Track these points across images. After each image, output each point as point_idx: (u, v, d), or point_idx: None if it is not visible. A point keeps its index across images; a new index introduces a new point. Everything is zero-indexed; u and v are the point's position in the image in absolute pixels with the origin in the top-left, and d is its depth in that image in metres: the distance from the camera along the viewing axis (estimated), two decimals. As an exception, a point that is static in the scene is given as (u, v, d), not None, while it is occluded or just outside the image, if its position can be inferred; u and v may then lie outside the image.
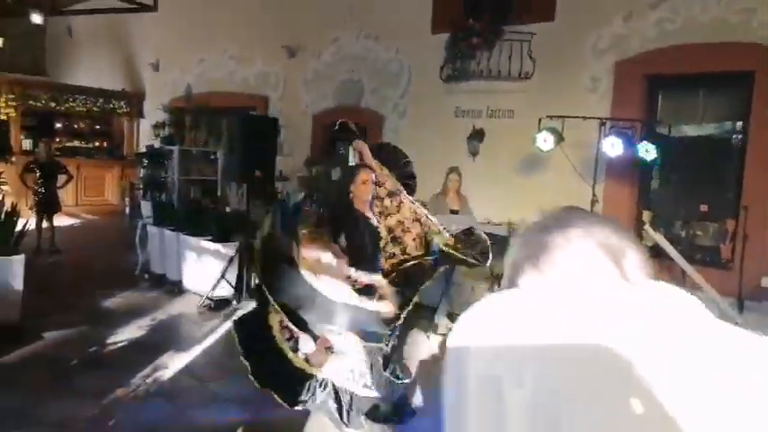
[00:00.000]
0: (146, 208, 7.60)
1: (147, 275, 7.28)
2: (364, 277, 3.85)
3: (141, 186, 11.50)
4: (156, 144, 9.26)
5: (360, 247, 3.90)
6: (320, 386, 3.68)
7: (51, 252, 8.39)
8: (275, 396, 3.45)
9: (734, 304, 5.02)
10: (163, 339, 5.18)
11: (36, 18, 10.69)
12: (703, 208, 4.95)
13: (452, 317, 5.84)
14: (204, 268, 6.54)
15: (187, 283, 6.79)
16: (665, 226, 5.93)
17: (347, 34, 9.08)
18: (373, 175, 3.81)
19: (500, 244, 5.84)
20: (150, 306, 6.11)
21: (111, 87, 13.73)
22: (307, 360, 3.61)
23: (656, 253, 5.75)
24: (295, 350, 3.58)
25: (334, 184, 3.85)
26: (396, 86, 8.47)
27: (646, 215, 5.82)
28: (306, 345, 3.56)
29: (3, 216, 5.32)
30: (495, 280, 5.84)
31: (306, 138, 9.79)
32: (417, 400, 3.85)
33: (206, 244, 6.55)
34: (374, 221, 3.95)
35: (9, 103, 11.95)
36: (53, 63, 16.67)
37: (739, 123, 5.59)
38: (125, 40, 14.16)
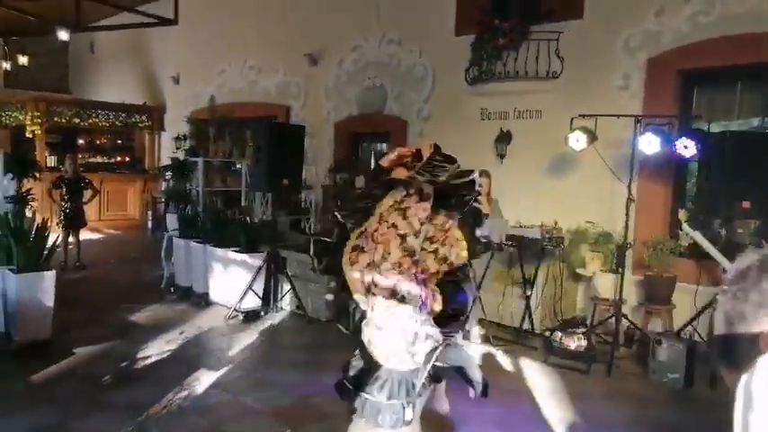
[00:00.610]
0: (171, 220, 7.58)
1: (173, 288, 7.24)
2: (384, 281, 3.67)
3: (163, 200, 11.55)
4: (180, 156, 9.24)
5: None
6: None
7: (77, 267, 8.41)
8: None
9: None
10: (192, 353, 5.12)
11: (62, 35, 10.81)
12: (745, 204, 4.74)
13: (483, 323, 5.70)
14: (231, 280, 6.48)
15: (214, 295, 6.73)
16: (702, 224, 5.73)
17: (369, 40, 9.01)
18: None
19: (534, 246, 5.74)
20: (178, 319, 6.06)
21: (132, 101, 13.86)
22: None
23: (694, 252, 5.61)
24: None
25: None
26: (420, 91, 8.37)
27: (682, 214, 5.63)
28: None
29: (34, 233, 5.31)
30: (526, 284, 5.70)
31: (329, 146, 9.73)
32: None
33: (233, 255, 6.49)
34: None
35: (35, 120, 12.08)
36: (76, 80, 16.91)
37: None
38: (146, 54, 14.30)
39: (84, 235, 9.20)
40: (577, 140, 5.44)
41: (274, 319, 6.25)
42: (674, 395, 4.55)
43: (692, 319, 5.12)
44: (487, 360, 5.09)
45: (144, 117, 13.83)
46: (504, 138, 7.22)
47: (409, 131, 8.50)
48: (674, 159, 5.82)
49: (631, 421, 4.06)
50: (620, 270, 5.16)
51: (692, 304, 5.28)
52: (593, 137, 5.39)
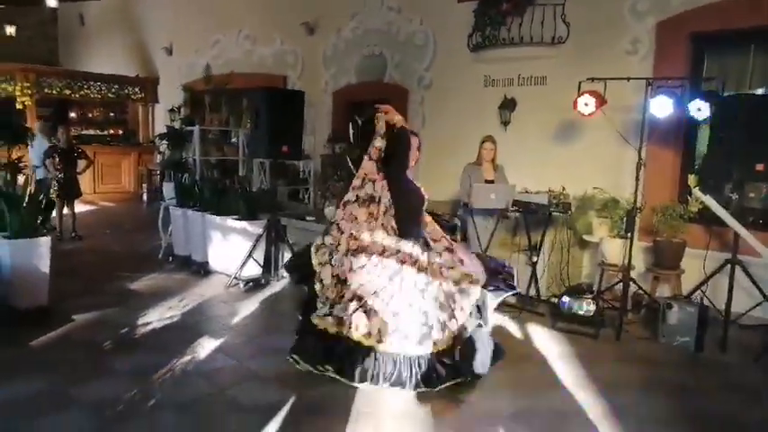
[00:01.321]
0: (168, 190, 7.42)
1: (171, 258, 7.12)
2: (408, 247, 3.71)
3: (159, 172, 11.38)
4: (177, 125, 9.06)
5: (407, 213, 3.76)
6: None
7: (73, 238, 8.27)
8: None
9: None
10: (194, 320, 5.01)
11: (51, 2, 10.49)
12: (759, 167, 4.65)
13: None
14: (231, 248, 6.35)
15: (213, 263, 6.61)
16: (713, 189, 5.64)
17: (368, 7, 8.79)
18: (418, 141, 4.16)
19: (541, 212, 5.64)
20: (178, 288, 5.95)
21: (124, 74, 13.57)
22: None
23: (704, 217, 5.53)
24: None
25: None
26: (421, 59, 8.18)
27: (692, 179, 5.52)
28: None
29: (27, 198, 5.16)
30: (532, 250, 5.62)
31: (327, 116, 9.55)
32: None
33: (232, 223, 6.36)
34: (421, 189, 4.03)
35: (25, 91, 11.83)
36: (66, 52, 16.56)
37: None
38: (137, 25, 13.98)
39: (79, 207, 9.04)
40: (586, 104, 5.30)
41: (276, 286, 6.15)
42: (685, 358, 4.50)
43: (701, 284, 5.05)
44: (496, 326, 5.02)
45: (137, 89, 13.58)
46: (509, 105, 7.09)
47: (410, 100, 8.34)
48: (685, 123, 5.72)
49: (644, 383, 4.00)
50: (629, 235, 5.07)
51: (700, 269, 5.22)
52: (602, 100, 5.25)
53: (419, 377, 3.58)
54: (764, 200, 5.66)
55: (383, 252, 3.78)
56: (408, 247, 3.79)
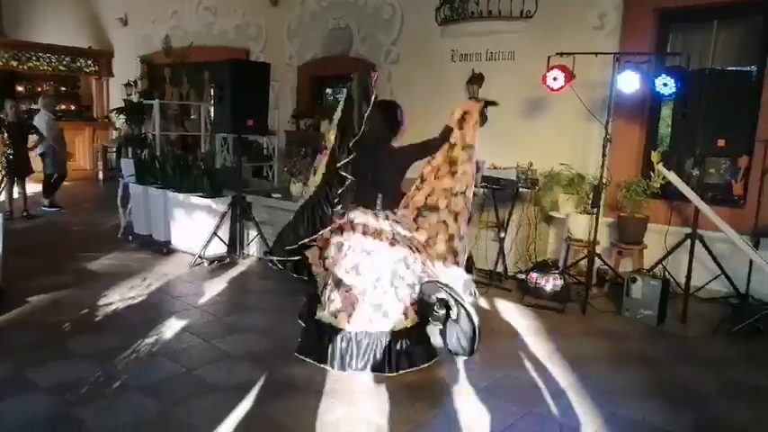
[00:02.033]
0: (126, 166, 7.15)
1: (131, 237, 6.91)
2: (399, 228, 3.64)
3: (116, 148, 10.99)
4: (135, 99, 8.71)
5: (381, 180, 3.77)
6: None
7: (24, 217, 7.92)
8: None
9: (749, 241, 4.91)
10: (157, 299, 4.87)
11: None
12: (721, 142, 4.75)
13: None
14: (194, 226, 6.19)
15: (176, 242, 6.44)
16: (676, 165, 5.75)
17: (333, -22, 8.58)
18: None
19: (509, 188, 5.66)
20: (139, 267, 5.77)
21: (76, 45, 12.95)
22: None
23: (666, 193, 5.64)
24: None
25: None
26: (388, 32, 8.05)
27: (655, 155, 5.61)
28: None
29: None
30: (499, 227, 5.64)
31: (291, 91, 9.34)
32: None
33: (196, 200, 6.18)
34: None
35: (-36, 62, 11.19)
36: (11, 21, 15.67)
37: (756, 54, 5.39)
38: (89, -7, 13.34)
39: (31, 186, 8.65)
40: (555, 79, 5.28)
41: (242, 265, 6.03)
42: (648, 331, 4.61)
43: (663, 258, 5.17)
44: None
45: (90, 62, 13.00)
46: (476, 80, 7.04)
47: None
48: (649, 100, 5.79)
49: (610, 355, 4.08)
50: (594, 211, 5.13)
51: (662, 244, 5.34)
52: (571, 75, 5.25)
53: (387, 356, 3.51)
54: (724, 175, 5.81)
55: (354, 228, 3.72)
56: (372, 219, 3.72)
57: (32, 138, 8.28)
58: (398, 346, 3.53)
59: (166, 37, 9.86)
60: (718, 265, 4.98)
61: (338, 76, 9.11)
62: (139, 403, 3.12)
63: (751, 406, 3.42)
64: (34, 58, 12.29)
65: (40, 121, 8.72)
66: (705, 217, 4.78)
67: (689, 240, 4.89)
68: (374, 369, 3.50)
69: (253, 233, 6.20)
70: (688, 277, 4.84)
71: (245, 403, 3.15)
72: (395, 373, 3.48)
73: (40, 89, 13.30)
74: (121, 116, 8.39)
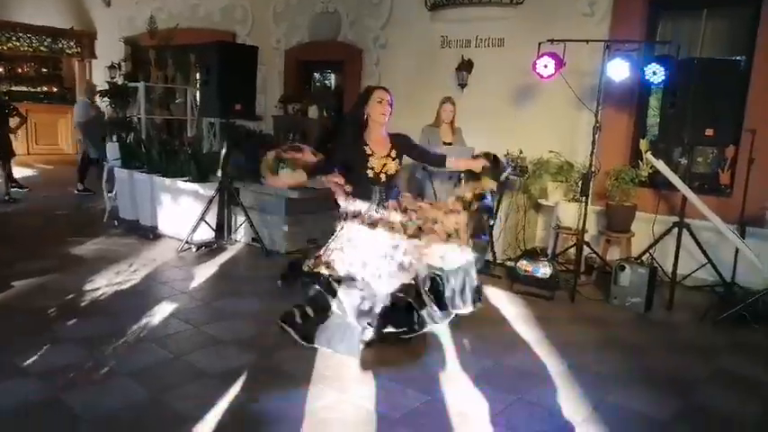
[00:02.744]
0: (111, 150, 7.04)
1: (116, 222, 6.82)
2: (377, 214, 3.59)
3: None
4: (119, 81, 8.56)
5: (362, 175, 3.64)
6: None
7: (7, 201, 7.79)
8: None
9: (736, 230, 4.96)
10: (145, 285, 4.82)
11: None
12: (709, 132, 4.78)
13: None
14: (181, 211, 6.13)
15: (163, 227, 6.38)
16: (664, 153, 5.79)
17: (322, -40, 8.47)
18: (389, 96, 3.65)
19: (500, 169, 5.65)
20: (126, 253, 5.70)
21: (57, 26, 12.67)
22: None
23: (654, 182, 5.68)
24: None
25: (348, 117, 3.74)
26: (376, 17, 7.97)
27: (643, 143, 5.65)
28: None
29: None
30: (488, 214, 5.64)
31: (279, 75, 9.24)
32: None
33: (183, 185, 6.11)
34: (382, 151, 3.68)
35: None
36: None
37: (745, 43, 5.42)
38: (70, -28, 13.03)
39: (14, 171, 8.51)
40: (545, 66, 5.28)
41: (230, 251, 5.99)
42: (635, 318, 4.66)
43: (651, 246, 5.22)
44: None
45: (72, 43, 12.76)
46: (465, 66, 7.01)
47: (365, 60, 8.15)
48: (638, 88, 5.81)
49: (598, 342, 4.12)
50: (583, 198, 5.15)
51: (649, 232, 5.38)
52: (561, 62, 5.25)
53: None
54: (711, 164, 5.86)
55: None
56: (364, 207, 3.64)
57: (14, 120, 8.12)
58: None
59: (151, 18, 9.67)
60: (705, 253, 5.04)
61: (326, 61, 9.04)
62: (128, 389, 3.09)
63: (737, 393, 3.47)
64: (14, 38, 12.02)
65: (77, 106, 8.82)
66: (692, 206, 4.82)
67: (676, 229, 4.93)
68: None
69: (241, 219, 6.15)
70: (675, 265, 4.89)
71: (233, 389, 3.13)
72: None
73: (20, 70, 13.03)
74: (105, 99, 8.24)
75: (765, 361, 3.95)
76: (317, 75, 9.53)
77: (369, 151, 3.63)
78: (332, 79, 9.48)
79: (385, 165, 3.65)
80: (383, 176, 3.65)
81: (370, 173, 3.63)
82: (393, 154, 3.69)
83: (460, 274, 3.48)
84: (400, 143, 3.76)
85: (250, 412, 2.93)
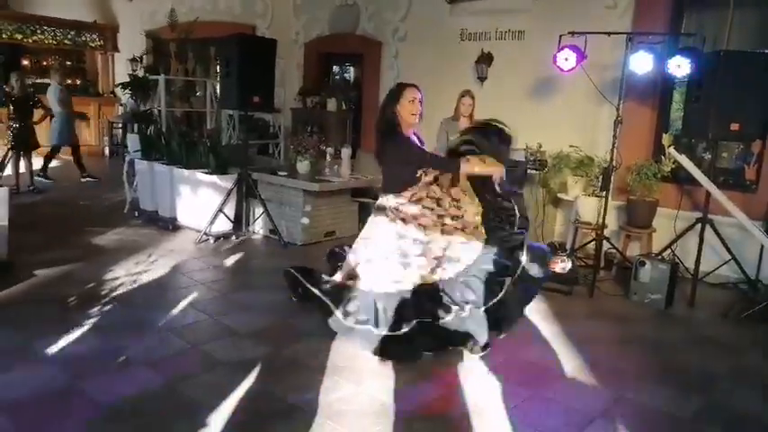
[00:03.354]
0: (132, 142, 7.11)
1: (137, 213, 6.89)
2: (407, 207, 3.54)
3: (120, 124, 10.93)
4: (140, 74, 8.64)
5: (400, 172, 3.58)
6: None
7: (31, 191, 7.91)
8: None
9: (761, 226, 4.85)
10: (163, 275, 4.86)
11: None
12: (734, 126, 4.67)
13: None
14: (200, 203, 6.16)
15: (182, 219, 6.42)
16: (687, 148, 5.69)
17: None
18: (420, 94, 3.56)
19: (520, 168, 5.59)
20: (145, 243, 5.76)
21: (80, 19, 12.83)
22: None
23: (676, 177, 5.58)
24: None
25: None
26: (395, 9, 7.93)
27: (666, 138, 5.54)
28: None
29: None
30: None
31: (298, 68, 9.25)
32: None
33: (202, 177, 6.14)
34: (417, 145, 3.66)
35: (-31, 35, 11.09)
36: (15, -5, 15.52)
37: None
38: (94, -33, 13.18)
39: (38, 162, 8.64)
40: (566, 59, 5.21)
41: (247, 242, 6.02)
42: (656, 314, 4.58)
43: (673, 242, 5.13)
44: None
45: (95, 36, 12.90)
46: (485, 59, 6.95)
47: (384, 53, 8.12)
48: (661, 82, 5.70)
49: (616, 338, 4.07)
50: (603, 193, 5.08)
51: (670, 228, 5.29)
52: (582, 55, 5.17)
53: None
54: (736, 159, 5.73)
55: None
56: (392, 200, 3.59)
57: (38, 112, 8.24)
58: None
59: (172, 11, 9.73)
60: (728, 250, 4.94)
61: (345, 53, 9.02)
62: (144, 378, 3.12)
63: (759, 391, 3.40)
64: (39, 31, 12.19)
65: (50, 92, 8.79)
66: (716, 201, 4.72)
67: (699, 225, 4.84)
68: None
69: (258, 210, 6.17)
70: (697, 262, 4.80)
71: (249, 379, 3.14)
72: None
73: (45, 63, 13.22)
74: (127, 91, 8.32)
75: (790, 360, 3.86)
76: (336, 68, 9.52)
77: None
78: (351, 72, 9.46)
79: None
80: (423, 176, 3.59)
81: (418, 172, 3.58)
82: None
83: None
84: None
85: (265, 403, 2.94)
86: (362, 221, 6.47)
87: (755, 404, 3.24)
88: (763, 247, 4.81)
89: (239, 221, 6.17)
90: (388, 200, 3.62)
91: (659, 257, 4.87)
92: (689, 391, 3.32)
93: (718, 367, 3.67)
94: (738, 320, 4.43)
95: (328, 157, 6.48)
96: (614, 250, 5.52)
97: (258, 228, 6.29)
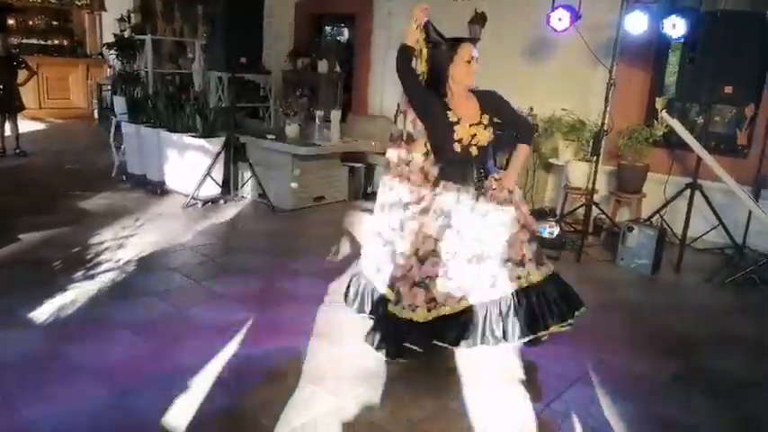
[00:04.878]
0: (119, 104, 6.97)
1: (124, 176, 6.82)
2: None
3: (109, 86, 10.72)
4: (127, 34, 8.44)
5: (448, 150, 2.95)
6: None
7: (17, 155, 7.81)
8: None
9: (750, 192, 4.84)
10: (150, 239, 4.83)
11: None
12: (728, 89, 4.59)
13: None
14: (188, 167, 6.09)
15: (170, 182, 6.36)
16: (680, 112, 5.62)
17: None
18: (476, 52, 2.97)
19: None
20: (132, 207, 5.71)
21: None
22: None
23: (668, 141, 5.53)
24: None
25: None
26: (387, -33, 7.72)
27: (659, 101, 5.46)
28: None
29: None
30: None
31: (288, 28, 9.04)
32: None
33: (189, 140, 6.06)
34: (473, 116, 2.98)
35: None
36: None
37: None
38: None
39: (24, 124, 8.51)
40: (560, 19, 5.09)
41: (235, 207, 5.98)
42: (642, 279, 4.60)
43: (662, 208, 5.12)
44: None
45: (81, -6, 12.55)
46: (478, 20, 6.78)
47: (375, 12, 7.94)
48: (657, 43, 5.59)
49: (603, 303, 4.08)
50: (594, 158, 5.03)
51: (660, 194, 5.27)
52: (576, 15, 5.05)
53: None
54: (730, 124, 5.67)
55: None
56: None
57: (23, 73, 8.07)
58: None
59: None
60: (717, 215, 4.93)
61: (337, 14, 8.82)
62: (129, 342, 3.13)
63: (739, 355, 3.43)
64: (24, -10, 11.86)
65: None
66: (706, 167, 4.68)
67: (689, 190, 4.81)
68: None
69: (247, 174, 6.12)
70: (685, 227, 4.80)
71: (234, 344, 3.15)
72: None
73: (31, 22, 12.90)
74: (112, 52, 8.14)
75: (772, 324, 3.90)
76: (328, 28, 9.32)
77: (453, 118, 2.92)
78: (344, 33, 9.27)
79: (475, 135, 2.93)
80: (474, 149, 2.95)
81: (457, 146, 2.92)
82: (485, 120, 2.98)
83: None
84: (488, 104, 3.04)
85: (249, 365, 2.95)
86: (352, 186, 6.50)
87: (734, 367, 3.27)
88: (750, 212, 4.80)
89: (227, 186, 6.12)
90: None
91: (647, 223, 4.86)
92: (669, 354, 3.35)
93: (699, 331, 3.70)
94: (723, 285, 4.46)
95: (318, 121, 6.38)
96: (603, 216, 5.50)
97: (247, 192, 6.25)
